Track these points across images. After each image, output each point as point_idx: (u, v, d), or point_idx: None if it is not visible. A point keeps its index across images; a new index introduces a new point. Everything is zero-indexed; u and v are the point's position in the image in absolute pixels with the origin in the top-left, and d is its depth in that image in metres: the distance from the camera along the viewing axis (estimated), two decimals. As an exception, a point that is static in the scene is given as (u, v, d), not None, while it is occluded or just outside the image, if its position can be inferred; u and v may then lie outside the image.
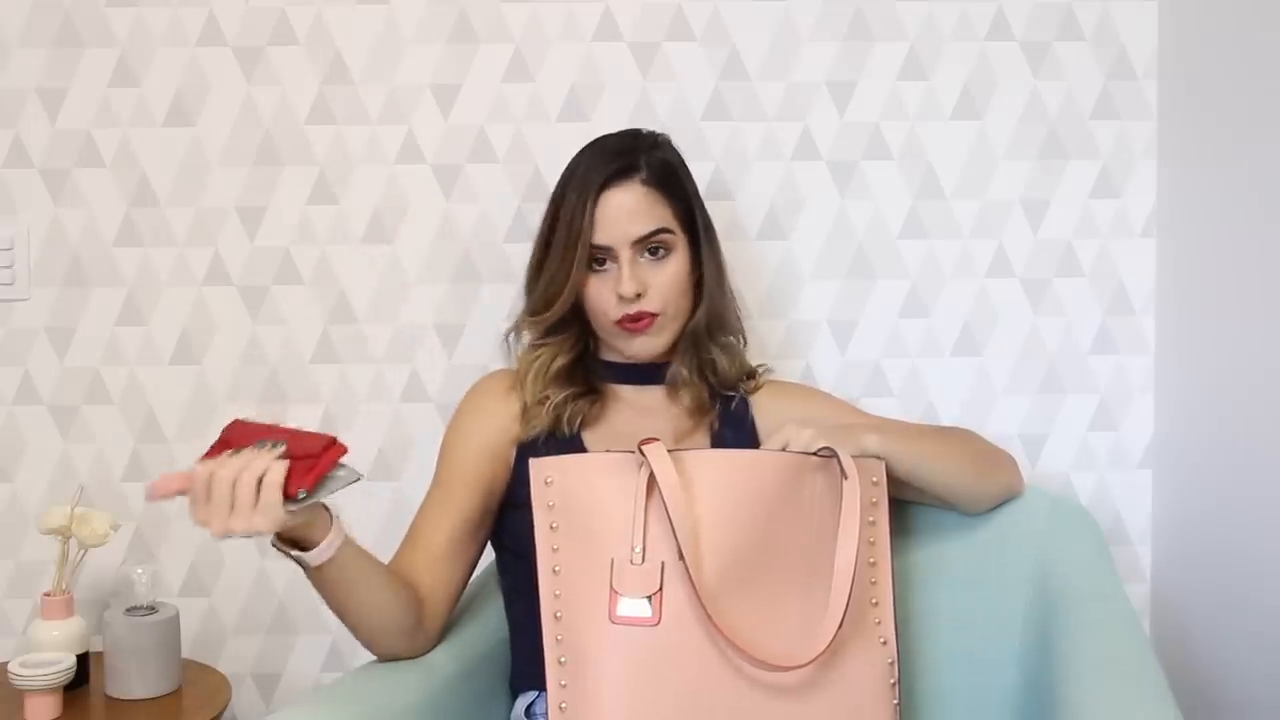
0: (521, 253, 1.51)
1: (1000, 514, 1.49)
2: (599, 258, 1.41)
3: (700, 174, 1.75)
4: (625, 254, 1.40)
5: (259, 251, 1.79)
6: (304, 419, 1.79)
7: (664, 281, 1.41)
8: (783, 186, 1.78)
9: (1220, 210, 1.60)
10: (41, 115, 1.77)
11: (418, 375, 1.80)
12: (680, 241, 1.43)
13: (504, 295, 1.68)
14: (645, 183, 1.41)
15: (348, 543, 1.21)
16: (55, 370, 1.80)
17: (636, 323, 1.41)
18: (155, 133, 1.78)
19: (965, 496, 1.45)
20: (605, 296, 1.41)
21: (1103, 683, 1.22)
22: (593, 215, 1.40)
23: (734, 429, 1.47)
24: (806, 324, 1.79)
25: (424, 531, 1.39)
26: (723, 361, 1.48)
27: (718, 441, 1.45)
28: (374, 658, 1.34)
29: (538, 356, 1.45)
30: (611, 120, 1.74)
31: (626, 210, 1.40)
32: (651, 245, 1.41)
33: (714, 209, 1.75)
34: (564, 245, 1.41)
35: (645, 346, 1.43)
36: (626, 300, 1.40)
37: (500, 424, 1.44)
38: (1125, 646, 1.30)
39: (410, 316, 1.79)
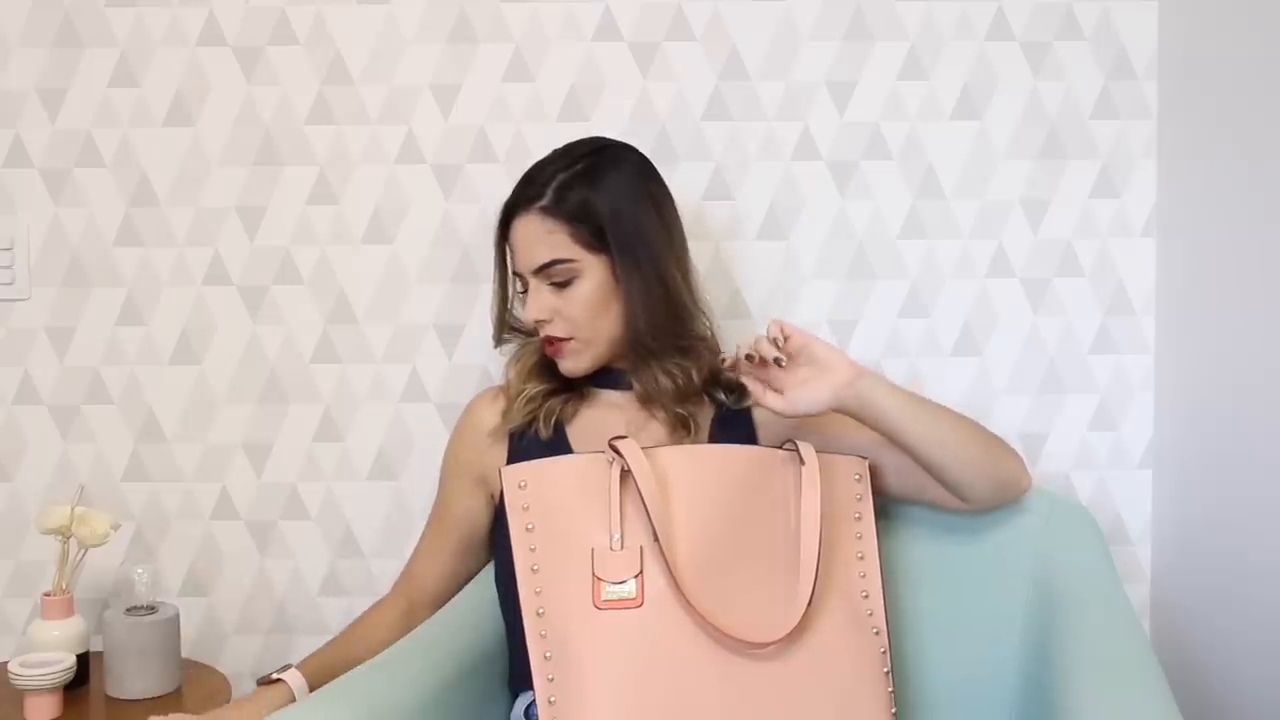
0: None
1: (1000, 514, 1.49)
2: (523, 281, 1.45)
3: (700, 174, 1.76)
4: (532, 281, 1.42)
5: (259, 251, 1.79)
6: (304, 419, 1.79)
7: (568, 309, 1.41)
8: (783, 186, 1.78)
9: (1220, 210, 1.60)
10: (41, 115, 1.78)
11: (418, 375, 1.79)
12: (590, 266, 1.40)
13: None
14: (544, 210, 1.40)
15: (307, 674, 1.37)
16: (55, 370, 1.80)
17: (551, 346, 1.44)
18: (155, 133, 1.78)
19: (968, 473, 1.37)
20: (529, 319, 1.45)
21: (1103, 683, 1.22)
22: (510, 243, 1.45)
23: (729, 438, 1.43)
24: (806, 324, 1.77)
25: (419, 569, 1.53)
26: (666, 381, 1.42)
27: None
28: (373, 657, 1.36)
29: (523, 351, 1.50)
30: (612, 120, 1.75)
31: (524, 240, 1.42)
32: (551, 274, 1.41)
33: (714, 209, 1.76)
34: (497, 268, 1.48)
35: (567, 367, 1.45)
36: (539, 323, 1.43)
37: (490, 459, 1.48)
38: (1125, 647, 1.30)
39: (410, 316, 1.79)
